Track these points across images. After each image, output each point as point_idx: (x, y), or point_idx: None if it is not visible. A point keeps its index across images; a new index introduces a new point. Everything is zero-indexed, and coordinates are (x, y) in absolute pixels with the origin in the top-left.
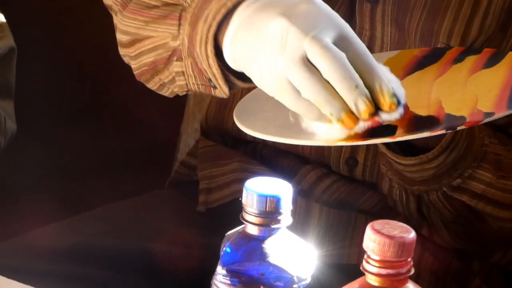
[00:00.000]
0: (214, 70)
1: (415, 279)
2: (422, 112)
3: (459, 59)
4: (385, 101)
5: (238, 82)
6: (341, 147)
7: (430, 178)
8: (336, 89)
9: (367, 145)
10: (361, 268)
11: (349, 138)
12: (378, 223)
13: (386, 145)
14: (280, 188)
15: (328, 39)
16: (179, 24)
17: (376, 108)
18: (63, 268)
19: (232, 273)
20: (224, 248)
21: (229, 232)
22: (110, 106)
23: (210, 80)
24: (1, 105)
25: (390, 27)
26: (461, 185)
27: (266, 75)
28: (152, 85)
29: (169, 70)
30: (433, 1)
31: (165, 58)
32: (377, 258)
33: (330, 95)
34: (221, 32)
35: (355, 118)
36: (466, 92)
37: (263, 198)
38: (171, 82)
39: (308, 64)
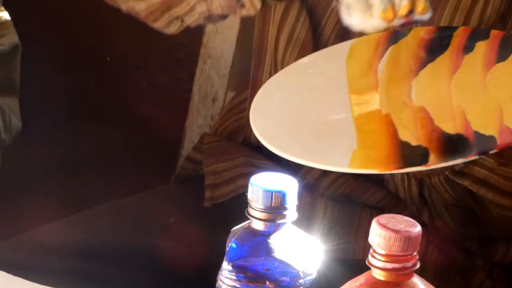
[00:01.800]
0: None
1: (420, 272)
2: (449, 128)
3: (469, 46)
4: (420, 4)
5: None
6: None
7: None
8: None
9: None
10: (366, 262)
11: (383, 165)
12: (384, 218)
13: None
14: (286, 183)
15: None
16: None
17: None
18: (68, 264)
19: (238, 268)
20: (229, 244)
21: (234, 228)
22: (114, 103)
23: None
24: (6, 102)
25: None
26: (463, 169)
27: None
28: (159, 23)
29: (187, 1)
30: None
31: None
32: (383, 252)
33: None
34: None
35: (394, 14)
36: (488, 99)
37: (269, 193)
38: (187, 13)
39: None
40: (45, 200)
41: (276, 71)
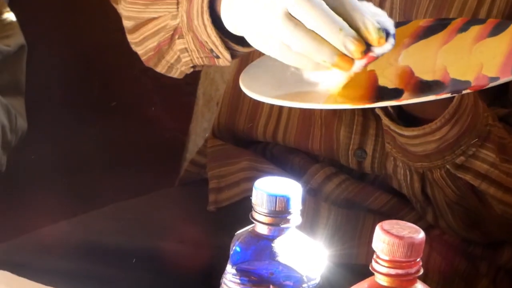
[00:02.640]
0: (213, 39)
1: (423, 279)
2: (428, 77)
3: (463, 28)
4: (373, 37)
5: (238, 47)
6: (350, 139)
7: (433, 152)
8: (322, 36)
9: (376, 137)
10: (370, 268)
11: (357, 101)
12: (387, 223)
13: (390, 117)
14: (290, 188)
15: None
16: (177, 2)
17: (368, 44)
18: (73, 265)
19: (241, 272)
20: (233, 247)
21: (238, 231)
22: (118, 105)
23: (212, 50)
24: (12, 103)
25: (398, 19)
26: (465, 163)
27: (256, 35)
28: (160, 69)
29: (173, 50)
30: None
31: (168, 39)
32: (387, 258)
33: (318, 43)
34: (217, 2)
35: (350, 59)
36: (471, 59)
37: (273, 197)
38: (177, 61)
39: (291, 18)
40: (49, 201)
41: None
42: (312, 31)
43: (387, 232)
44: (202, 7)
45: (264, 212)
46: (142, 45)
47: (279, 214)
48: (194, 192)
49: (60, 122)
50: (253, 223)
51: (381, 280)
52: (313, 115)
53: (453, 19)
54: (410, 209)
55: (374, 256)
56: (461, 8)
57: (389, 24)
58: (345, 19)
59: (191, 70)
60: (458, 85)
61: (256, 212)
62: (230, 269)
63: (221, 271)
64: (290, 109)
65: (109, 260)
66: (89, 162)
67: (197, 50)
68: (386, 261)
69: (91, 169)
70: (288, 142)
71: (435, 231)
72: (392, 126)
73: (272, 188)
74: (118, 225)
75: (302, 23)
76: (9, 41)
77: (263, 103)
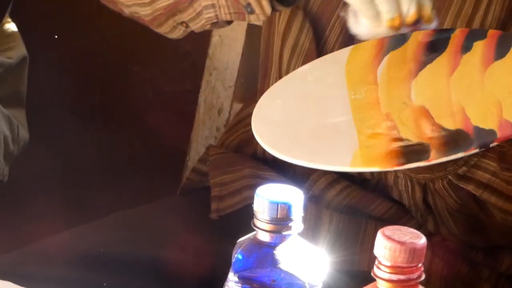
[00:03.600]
0: None
1: (425, 284)
2: (449, 124)
3: (466, 46)
4: (427, 13)
5: (279, 6)
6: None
7: (436, 164)
8: None
9: None
10: (372, 274)
11: (384, 163)
12: (389, 229)
13: None
14: (292, 195)
15: None
16: None
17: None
18: (75, 275)
19: (243, 279)
20: (235, 255)
21: (240, 239)
22: (120, 113)
23: (248, 5)
24: (14, 114)
25: None
26: (467, 173)
27: None
28: (163, 29)
29: (193, 7)
30: (435, 0)
31: None
32: (388, 264)
33: None
34: None
35: (401, 22)
36: (486, 94)
37: (275, 205)
38: (193, 19)
39: None
40: (51, 212)
41: None
42: None
43: (389, 237)
44: None
45: (266, 220)
46: (151, 4)
47: (281, 221)
48: (196, 200)
49: (61, 132)
50: (255, 230)
51: (383, 286)
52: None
53: (452, 30)
54: (412, 216)
55: (376, 262)
56: (456, 14)
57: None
58: None
59: (204, 28)
60: (483, 136)
61: (257, 219)
62: (232, 277)
63: (223, 279)
64: None
65: (112, 269)
66: (91, 171)
67: (228, 6)
68: (387, 266)
69: (92, 179)
70: None
71: (437, 237)
72: None
73: (274, 195)
74: (120, 235)
75: None
76: (11, 53)
77: None
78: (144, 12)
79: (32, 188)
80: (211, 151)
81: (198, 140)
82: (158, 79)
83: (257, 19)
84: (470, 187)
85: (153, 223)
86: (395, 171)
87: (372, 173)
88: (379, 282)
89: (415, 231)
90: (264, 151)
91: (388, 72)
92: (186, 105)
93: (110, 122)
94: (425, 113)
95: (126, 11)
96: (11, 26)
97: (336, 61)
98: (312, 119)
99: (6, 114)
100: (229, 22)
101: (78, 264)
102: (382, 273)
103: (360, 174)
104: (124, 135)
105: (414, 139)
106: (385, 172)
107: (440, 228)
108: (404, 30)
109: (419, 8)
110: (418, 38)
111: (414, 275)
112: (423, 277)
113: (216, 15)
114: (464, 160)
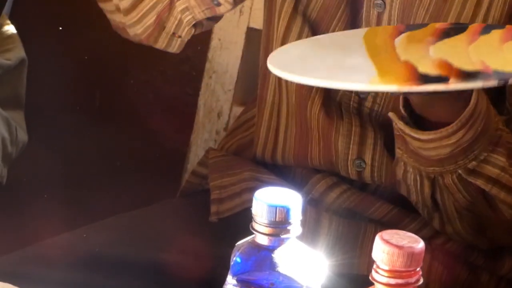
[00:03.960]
0: None
1: None
2: (468, 68)
3: (485, 31)
4: None
5: None
6: (348, 149)
7: (446, 157)
8: None
9: (374, 146)
10: (370, 277)
11: (403, 82)
12: (387, 233)
13: (405, 121)
14: (290, 198)
15: None
16: None
17: None
18: (74, 277)
19: (242, 282)
20: (234, 258)
21: (239, 242)
22: (120, 116)
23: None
24: (12, 116)
25: None
26: (476, 168)
27: None
28: (161, 43)
29: (173, 15)
30: (436, 4)
31: (167, 5)
32: (386, 268)
33: None
34: None
35: None
36: (506, 54)
37: (273, 208)
38: (178, 26)
39: None
40: (51, 213)
41: (280, 89)
42: None
43: (387, 241)
44: None
45: (264, 223)
46: (141, 22)
47: (279, 225)
48: (196, 203)
49: (61, 133)
50: (253, 233)
51: None
52: (310, 130)
53: (469, 24)
54: (412, 219)
55: (374, 266)
56: (456, 18)
57: None
58: None
59: (191, 33)
60: (502, 75)
61: (256, 222)
62: (230, 280)
63: (222, 281)
64: (287, 129)
65: (111, 271)
66: (90, 173)
67: (198, 5)
68: (386, 270)
69: (92, 180)
70: (288, 162)
71: (437, 240)
72: (407, 130)
73: (272, 199)
74: (120, 237)
75: None
76: (10, 55)
77: (259, 128)
78: (138, 31)
79: (32, 189)
80: (211, 154)
81: (197, 143)
82: (158, 82)
83: (225, 8)
84: (480, 182)
85: (152, 225)
86: (404, 165)
87: (371, 176)
88: (377, 286)
89: (414, 235)
90: (263, 154)
91: (405, 41)
92: (186, 108)
93: (110, 124)
94: (444, 62)
95: (131, 35)
96: (9, 28)
97: (352, 34)
98: (329, 61)
99: (4, 116)
100: (212, 19)
101: (78, 265)
102: (380, 277)
103: (360, 177)
104: (124, 137)
105: (433, 73)
106: (394, 166)
107: (445, 227)
108: None
109: None
110: (435, 26)
111: (412, 279)
112: (421, 281)
113: (193, 16)
114: (475, 155)
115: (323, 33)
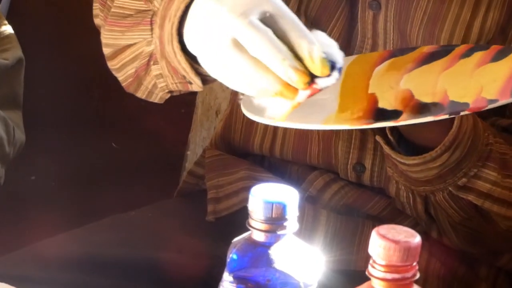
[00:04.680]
0: (183, 65)
1: (423, 284)
2: (427, 99)
3: (467, 54)
4: (316, 67)
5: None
6: (348, 153)
7: (434, 177)
8: (266, 65)
9: (374, 151)
10: (366, 272)
11: (355, 121)
12: (384, 228)
13: (390, 146)
14: (286, 195)
15: (254, 16)
16: (151, 29)
17: (313, 76)
18: (72, 277)
19: (238, 279)
20: (230, 255)
21: (235, 239)
22: (118, 116)
23: (184, 76)
24: (10, 116)
25: (392, 33)
26: (467, 184)
27: (208, 60)
28: (140, 94)
29: (150, 76)
30: (433, 6)
31: (144, 65)
32: (383, 262)
33: (261, 71)
34: (183, 27)
35: (294, 89)
36: (471, 82)
37: (269, 204)
38: (154, 87)
39: (237, 44)
40: (48, 214)
41: None
42: (257, 60)
43: (383, 236)
44: (171, 34)
45: (261, 219)
46: (121, 71)
47: (276, 221)
48: (193, 203)
49: (58, 134)
50: (250, 230)
51: (378, 285)
52: (310, 130)
53: (458, 45)
54: (409, 214)
55: (371, 261)
56: (455, 20)
57: (338, 56)
58: (291, 48)
59: (168, 95)
60: (456, 107)
61: (252, 219)
62: (227, 277)
63: (219, 281)
64: None
65: (109, 271)
66: (88, 174)
67: (171, 76)
68: (382, 265)
69: (90, 181)
70: (286, 156)
71: (434, 234)
72: (393, 155)
73: (268, 195)
74: (117, 237)
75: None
76: (7, 54)
77: None
78: (120, 78)
79: (30, 191)
80: (207, 154)
81: (196, 141)
82: None
83: (197, 88)
84: (471, 197)
85: (150, 225)
86: (396, 183)
87: (370, 180)
88: (374, 281)
89: (410, 230)
90: (261, 146)
91: (385, 69)
92: (184, 106)
93: (108, 124)
94: (408, 93)
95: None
96: (7, 28)
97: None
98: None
99: (2, 116)
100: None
101: (75, 266)
102: (376, 272)
103: (360, 180)
104: (122, 137)
105: (389, 108)
106: (387, 184)
107: (443, 239)
108: (303, 95)
109: (307, 63)
110: (423, 50)
111: (409, 274)
112: (418, 275)
113: (166, 85)
114: (464, 172)
115: (324, 29)
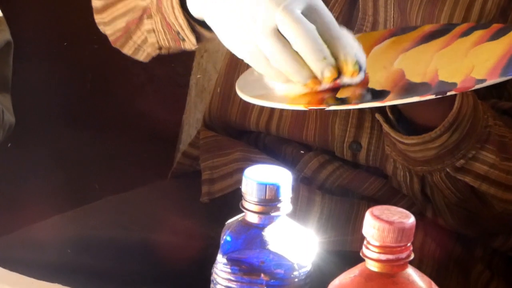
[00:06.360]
0: (180, 21)
1: (418, 265)
2: (417, 79)
3: (466, 33)
4: (348, 69)
5: (205, 32)
6: (345, 131)
7: (433, 158)
8: (305, 60)
9: (371, 129)
10: (360, 253)
11: (340, 103)
12: (378, 209)
13: (390, 124)
14: (280, 176)
15: (298, 10)
16: None
17: (339, 72)
18: (66, 260)
19: (232, 261)
20: (224, 237)
21: (229, 221)
22: (111, 98)
23: (178, 33)
24: None
25: (392, 11)
26: (464, 166)
27: (238, 41)
28: (127, 50)
29: (141, 30)
30: None
31: (136, 19)
32: (377, 243)
33: (299, 65)
34: None
35: (318, 81)
36: (464, 62)
37: (263, 186)
38: (143, 42)
39: (279, 35)
40: (42, 196)
41: None
42: (296, 52)
43: (377, 217)
44: None
45: (254, 201)
46: (110, 24)
47: (269, 203)
48: (187, 184)
49: (50, 117)
50: (243, 212)
51: (372, 266)
52: None
53: (459, 24)
54: (404, 195)
55: (365, 242)
56: (455, 2)
57: (363, 58)
58: (328, 46)
59: (157, 52)
60: (443, 86)
61: (246, 200)
62: (221, 259)
63: (213, 261)
64: None
65: (103, 253)
66: (81, 155)
67: (164, 32)
68: (376, 246)
69: (83, 163)
70: (282, 133)
71: (429, 214)
72: (392, 133)
73: (262, 177)
74: (111, 219)
75: (288, 42)
76: None
77: None
78: (108, 32)
79: (24, 174)
80: (202, 135)
81: (190, 123)
82: (150, 62)
83: (190, 46)
84: (468, 179)
85: (144, 207)
86: (394, 162)
87: (366, 159)
88: (368, 262)
89: (404, 210)
90: (258, 122)
91: (383, 48)
92: (178, 87)
93: (101, 105)
94: (399, 73)
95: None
96: None
97: None
98: None
99: None
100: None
101: (68, 248)
102: (370, 253)
103: (355, 159)
104: (116, 118)
105: (378, 88)
106: (384, 163)
107: (438, 219)
108: (325, 86)
109: (341, 64)
110: (425, 29)
111: (403, 255)
112: (412, 256)
113: (157, 41)
114: (462, 153)
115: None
